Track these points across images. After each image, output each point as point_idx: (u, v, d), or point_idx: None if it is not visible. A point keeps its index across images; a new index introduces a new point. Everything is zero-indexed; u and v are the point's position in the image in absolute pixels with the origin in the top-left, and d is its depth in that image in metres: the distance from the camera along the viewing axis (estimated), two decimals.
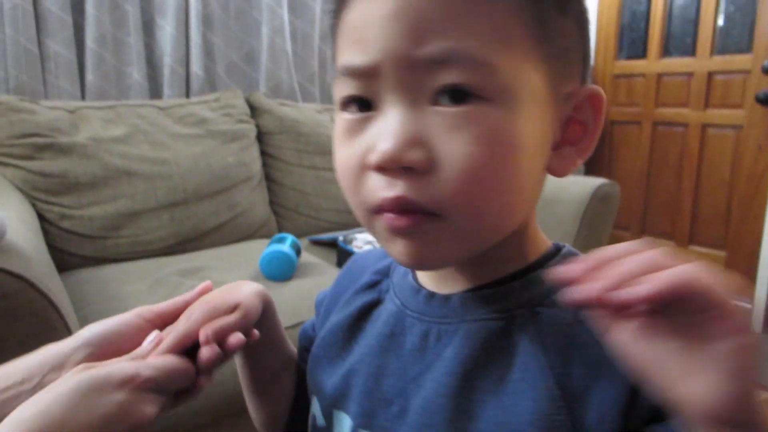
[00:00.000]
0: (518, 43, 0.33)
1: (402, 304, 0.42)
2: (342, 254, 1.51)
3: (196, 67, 1.88)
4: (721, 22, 2.38)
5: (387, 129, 0.32)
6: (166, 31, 1.82)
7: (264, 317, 0.49)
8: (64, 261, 1.37)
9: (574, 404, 0.33)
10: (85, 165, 1.43)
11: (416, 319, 0.40)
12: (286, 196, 1.85)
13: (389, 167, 0.32)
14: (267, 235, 1.72)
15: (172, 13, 1.80)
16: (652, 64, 2.55)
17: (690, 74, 2.45)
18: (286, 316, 1.17)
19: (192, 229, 1.57)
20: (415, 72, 0.32)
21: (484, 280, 0.38)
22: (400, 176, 0.32)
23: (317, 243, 1.73)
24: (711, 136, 2.42)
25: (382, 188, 0.33)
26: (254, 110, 1.88)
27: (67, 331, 0.88)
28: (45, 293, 0.84)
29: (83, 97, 1.71)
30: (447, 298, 0.39)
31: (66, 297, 0.97)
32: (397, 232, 0.34)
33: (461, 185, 0.32)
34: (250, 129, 1.81)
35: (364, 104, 0.34)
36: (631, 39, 2.68)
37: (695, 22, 2.45)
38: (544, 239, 0.41)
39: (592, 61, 2.51)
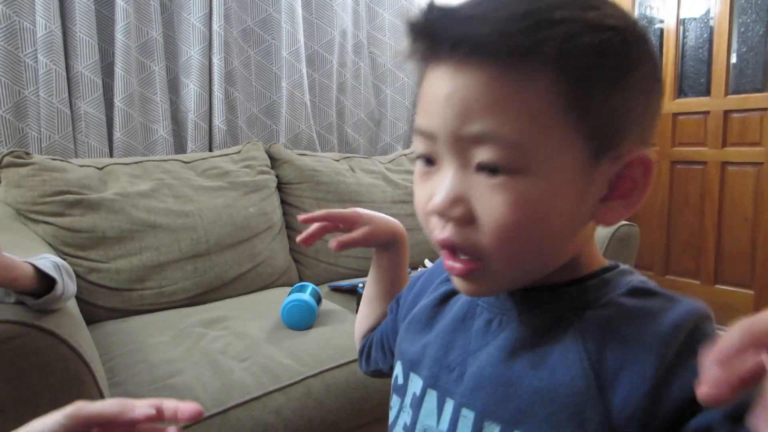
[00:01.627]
0: (554, 125, 0.38)
1: None
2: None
3: (219, 121, 1.95)
4: (734, 60, 2.41)
5: (440, 186, 0.41)
6: (190, 88, 1.90)
7: (396, 247, 0.71)
8: (92, 313, 1.40)
9: (605, 385, 0.39)
10: (113, 219, 1.48)
11: (485, 308, 0.49)
12: (315, 244, 1.87)
13: (439, 216, 0.41)
14: (288, 283, 1.75)
15: (196, 72, 1.88)
16: (667, 104, 2.57)
17: (706, 113, 2.46)
18: (307, 365, 1.19)
19: (215, 279, 1.60)
20: (462, 144, 0.39)
21: (542, 284, 0.45)
22: (449, 222, 0.41)
23: (337, 290, 1.75)
24: (731, 174, 2.41)
25: (438, 229, 0.42)
26: (274, 161, 1.93)
27: (95, 385, 0.90)
28: (75, 348, 0.87)
29: (111, 154, 1.78)
30: (512, 294, 0.47)
31: (94, 350, 0.99)
32: (451, 272, 0.43)
33: (494, 240, 0.39)
34: (271, 179, 1.86)
35: (430, 160, 0.43)
36: None
37: (708, 62, 2.48)
38: (600, 261, 0.46)
39: None
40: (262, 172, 1.85)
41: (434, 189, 0.41)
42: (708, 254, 2.49)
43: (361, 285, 1.57)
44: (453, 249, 0.42)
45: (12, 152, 1.45)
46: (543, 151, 0.38)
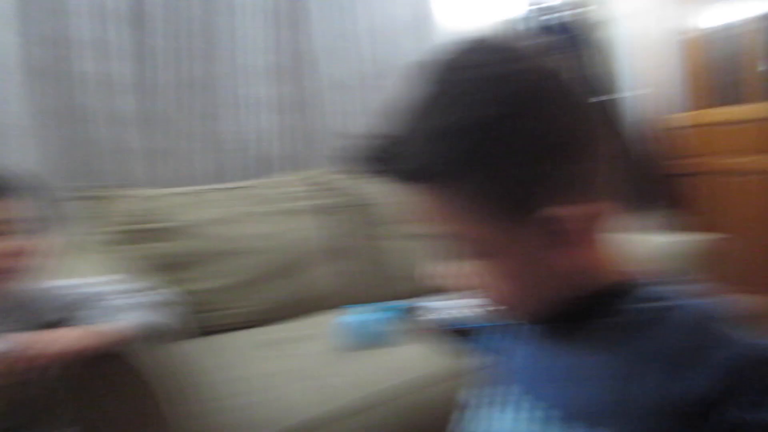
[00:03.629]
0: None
1: None
2: (417, 323, 1.56)
3: (287, 148, 2.08)
4: None
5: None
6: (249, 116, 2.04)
7: None
8: (188, 331, 1.52)
9: (628, 383, 0.45)
10: (192, 245, 1.61)
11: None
12: (362, 266, 1.94)
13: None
14: (346, 304, 1.82)
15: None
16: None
17: None
18: (368, 390, 1.22)
19: (288, 298, 1.71)
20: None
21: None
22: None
23: (399, 311, 1.80)
24: None
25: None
26: (337, 185, 2.02)
27: (193, 399, 1.00)
28: (172, 367, 0.98)
29: (184, 183, 1.92)
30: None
31: (191, 366, 1.10)
32: None
33: (491, 298, 0.53)
34: (333, 203, 1.95)
35: None
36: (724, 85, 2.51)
37: None
38: (617, 277, 0.51)
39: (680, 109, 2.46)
40: (325, 196, 1.95)
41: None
42: None
43: (417, 306, 1.61)
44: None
45: (102, 185, 1.62)
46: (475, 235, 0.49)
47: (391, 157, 0.48)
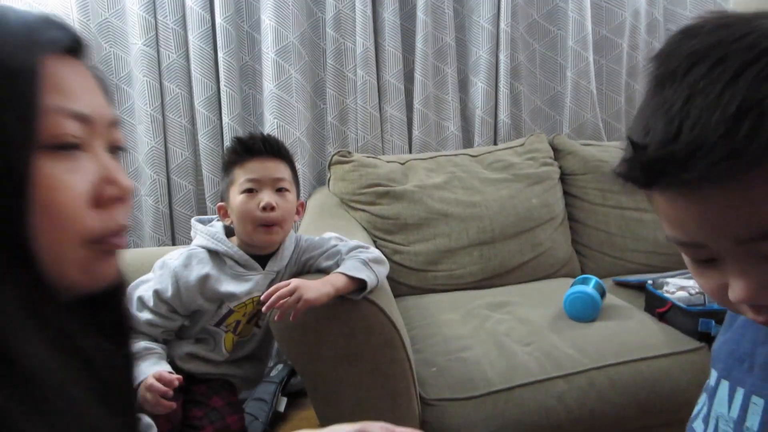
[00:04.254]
0: None
1: None
2: (651, 298, 1.44)
3: (503, 115, 2.04)
4: None
5: (739, 280, 0.41)
6: (478, 86, 2.03)
7: None
8: (396, 289, 1.63)
9: None
10: (413, 209, 1.69)
11: None
12: (590, 236, 1.85)
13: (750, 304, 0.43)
14: (569, 275, 1.75)
15: (484, 70, 2.00)
16: None
17: None
18: (590, 357, 1.19)
19: (498, 265, 1.70)
20: (746, 243, 0.40)
21: None
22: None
23: (622, 285, 1.68)
24: None
25: (750, 312, 0.44)
26: (557, 152, 1.94)
27: (404, 348, 1.07)
28: (389, 317, 1.05)
29: (410, 151, 2.02)
30: None
31: (401, 320, 1.17)
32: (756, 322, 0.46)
33: None
34: (554, 171, 1.88)
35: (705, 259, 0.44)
36: None
37: None
38: None
39: None
40: (545, 164, 1.88)
41: (727, 280, 0.42)
42: None
43: (650, 281, 1.49)
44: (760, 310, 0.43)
45: (339, 152, 1.78)
46: None
47: (685, 159, 0.38)
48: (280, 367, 1.83)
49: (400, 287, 1.66)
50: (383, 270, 1.13)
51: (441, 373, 1.18)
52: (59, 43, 0.43)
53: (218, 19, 1.79)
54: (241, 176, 1.16)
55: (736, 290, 0.41)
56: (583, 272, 1.79)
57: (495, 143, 2.07)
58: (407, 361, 1.07)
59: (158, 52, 1.80)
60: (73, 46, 0.45)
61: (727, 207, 0.38)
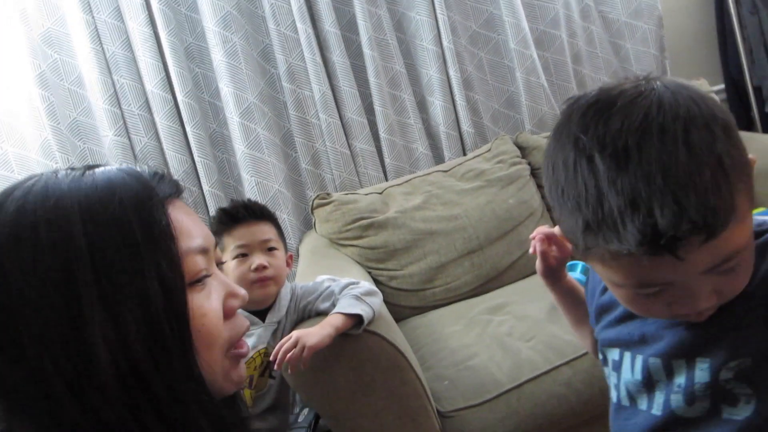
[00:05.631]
0: None
1: None
2: None
3: (466, 126, 2.13)
4: None
5: (692, 298, 0.51)
6: (436, 104, 2.12)
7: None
8: (398, 312, 1.69)
9: None
10: (398, 234, 1.76)
11: None
12: None
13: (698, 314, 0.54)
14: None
15: (438, 88, 2.10)
16: None
17: None
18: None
19: (490, 270, 1.77)
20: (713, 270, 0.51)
21: None
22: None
23: None
24: None
25: (693, 316, 0.54)
26: (524, 149, 2.03)
27: (412, 370, 1.13)
28: (391, 342, 1.11)
29: (386, 178, 2.10)
30: None
31: (406, 343, 1.24)
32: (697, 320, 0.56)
33: (732, 295, 0.54)
34: (524, 168, 1.96)
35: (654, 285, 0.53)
36: None
37: None
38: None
39: None
40: (514, 164, 1.96)
41: (679, 300, 0.51)
42: None
43: None
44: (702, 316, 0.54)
45: (318, 195, 1.85)
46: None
47: (697, 230, 0.45)
48: (306, 411, 1.88)
49: (402, 310, 1.72)
50: (377, 300, 1.19)
51: (453, 384, 1.24)
52: (172, 194, 0.51)
53: (179, 96, 1.88)
54: (231, 243, 1.23)
55: (694, 305, 0.51)
56: (572, 259, 1.86)
57: (464, 154, 2.15)
58: (417, 380, 1.14)
59: (129, 139, 1.89)
60: (179, 190, 0.53)
61: (711, 254, 0.47)
